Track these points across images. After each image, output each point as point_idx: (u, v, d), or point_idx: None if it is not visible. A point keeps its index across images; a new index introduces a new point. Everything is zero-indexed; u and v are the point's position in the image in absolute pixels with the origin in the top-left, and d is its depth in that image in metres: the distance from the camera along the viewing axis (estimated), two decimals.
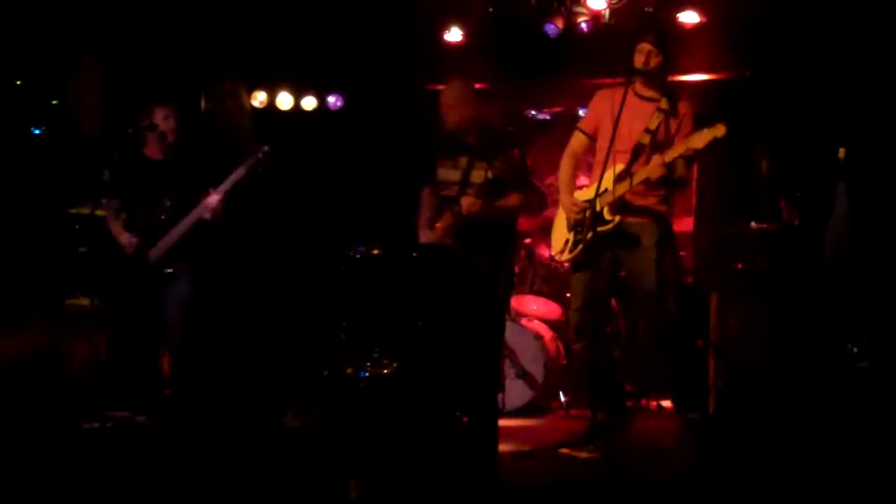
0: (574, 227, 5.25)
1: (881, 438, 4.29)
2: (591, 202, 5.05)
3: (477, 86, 8.08)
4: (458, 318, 4.74)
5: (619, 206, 5.11)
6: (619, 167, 5.08)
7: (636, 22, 6.69)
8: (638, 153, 5.11)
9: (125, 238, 5.53)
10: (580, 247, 5.18)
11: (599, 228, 5.10)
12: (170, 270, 5.53)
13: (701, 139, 4.91)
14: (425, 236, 5.43)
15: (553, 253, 5.50)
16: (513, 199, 5.33)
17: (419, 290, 4.76)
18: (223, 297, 6.58)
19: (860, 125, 6.18)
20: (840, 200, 5.71)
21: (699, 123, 5.08)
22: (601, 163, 5.04)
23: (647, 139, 5.10)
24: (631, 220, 5.15)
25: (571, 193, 5.33)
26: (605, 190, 5.08)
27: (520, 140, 5.42)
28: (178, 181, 5.59)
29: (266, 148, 5.69)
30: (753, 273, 6.12)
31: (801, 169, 6.53)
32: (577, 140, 5.42)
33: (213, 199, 5.53)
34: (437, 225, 5.36)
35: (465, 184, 5.31)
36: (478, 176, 5.29)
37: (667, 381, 5.55)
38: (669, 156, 5.00)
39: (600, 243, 5.10)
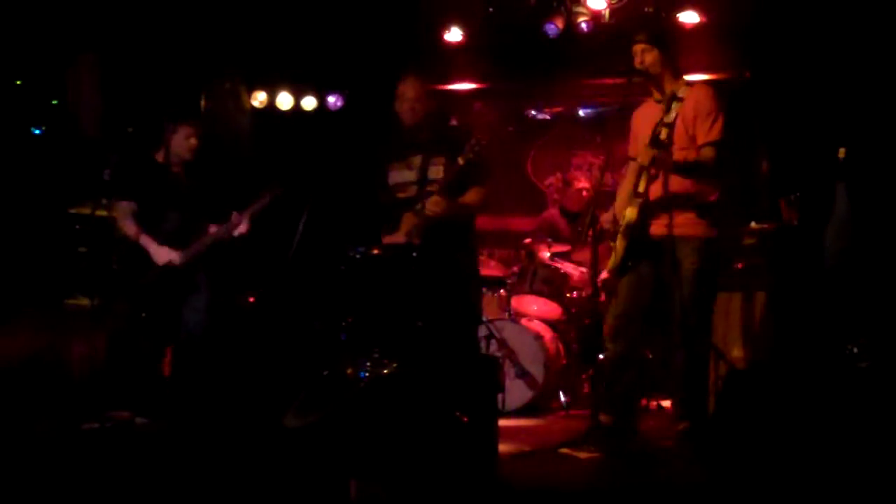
0: (612, 237, 5.21)
1: (881, 438, 4.29)
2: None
3: (477, 86, 8.17)
4: (443, 316, 4.72)
5: (642, 205, 5.03)
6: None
7: (636, 22, 6.69)
8: (654, 145, 5.02)
9: (148, 243, 5.53)
10: (616, 255, 5.11)
11: (621, 229, 5.06)
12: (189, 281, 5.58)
13: (670, 116, 4.92)
14: (387, 241, 5.25)
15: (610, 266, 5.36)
16: (472, 196, 5.14)
17: (410, 291, 4.73)
18: (225, 296, 6.58)
19: (860, 125, 6.18)
20: (840, 201, 5.71)
21: (714, 101, 5.06)
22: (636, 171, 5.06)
23: (663, 133, 5.00)
24: (667, 232, 5.02)
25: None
26: (630, 194, 5.08)
27: (476, 131, 5.20)
28: (188, 188, 5.63)
29: (280, 190, 5.87)
30: (753, 273, 6.12)
31: (801, 169, 6.53)
32: (633, 169, 5.27)
33: (242, 225, 5.69)
34: (408, 225, 5.17)
35: (423, 182, 5.14)
36: (436, 172, 5.12)
37: (670, 386, 5.52)
38: (650, 141, 4.97)
39: (637, 253, 5.06)
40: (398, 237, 5.14)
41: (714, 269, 5.18)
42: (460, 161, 4.97)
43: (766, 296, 5.94)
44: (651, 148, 4.95)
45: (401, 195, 5.23)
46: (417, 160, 5.19)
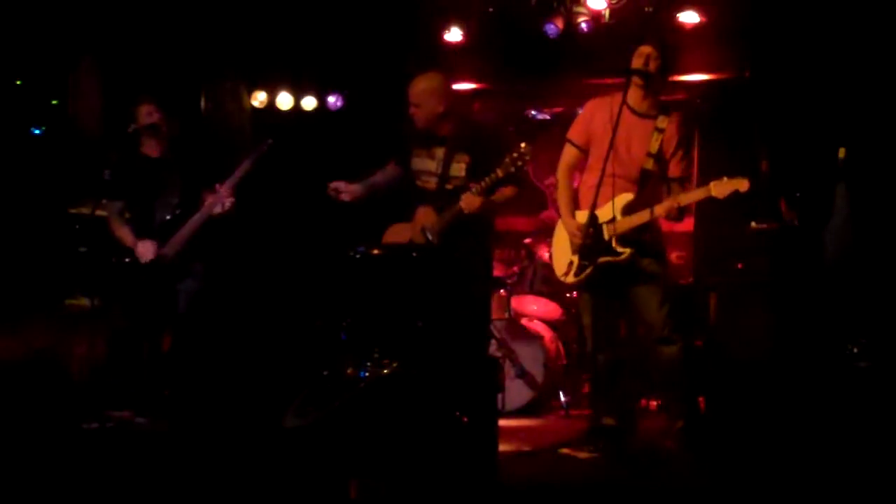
0: (579, 251, 4.98)
1: (881, 438, 4.29)
2: (594, 225, 4.87)
3: (477, 86, 8.16)
4: (445, 316, 4.71)
5: (631, 238, 4.92)
6: (628, 197, 4.92)
7: (636, 22, 6.69)
8: (645, 181, 4.95)
9: (134, 242, 5.50)
10: (587, 271, 4.98)
11: (605, 258, 4.92)
12: (182, 267, 5.54)
13: (722, 190, 4.73)
14: (399, 229, 5.22)
15: (558, 274, 5.23)
16: (508, 192, 5.10)
17: (411, 291, 4.72)
18: (225, 295, 6.57)
19: (860, 125, 6.18)
20: (840, 200, 5.71)
21: (688, 133, 5.03)
22: (595, 185, 4.82)
23: (650, 164, 4.93)
24: (626, 241, 4.96)
25: (573, 214, 5.09)
26: (613, 218, 4.89)
27: (510, 136, 5.13)
28: (178, 178, 5.60)
29: (269, 140, 5.71)
30: (753, 273, 6.12)
31: (801, 169, 6.53)
32: (570, 153, 5.19)
33: (223, 193, 5.55)
34: (423, 217, 5.16)
35: (444, 177, 5.11)
36: (458, 169, 5.08)
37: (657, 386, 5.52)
38: (686, 200, 4.85)
39: (609, 272, 4.96)
40: (411, 228, 5.13)
41: (664, 266, 5.15)
42: (500, 173, 4.90)
43: (767, 295, 5.94)
44: (678, 207, 4.85)
45: (419, 184, 5.20)
46: (440, 152, 5.16)
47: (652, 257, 5.00)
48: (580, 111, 5.29)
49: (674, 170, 4.99)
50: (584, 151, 5.12)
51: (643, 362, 5.38)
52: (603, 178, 4.79)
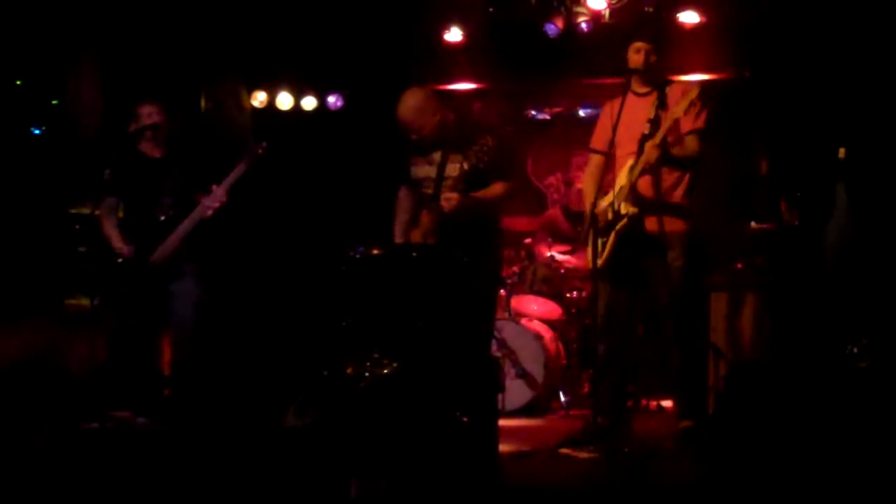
0: (599, 232, 5.10)
1: (881, 439, 4.29)
2: (591, 207, 5.05)
3: (477, 86, 8.18)
4: (447, 317, 4.71)
5: (634, 199, 5.01)
6: (629, 162, 5.05)
7: (636, 22, 6.69)
8: (643, 145, 5.02)
9: (118, 242, 5.51)
10: (606, 249, 5.09)
11: (618, 226, 5.04)
12: (174, 268, 5.53)
13: (680, 107, 4.86)
14: (403, 238, 5.26)
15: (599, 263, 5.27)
16: (496, 188, 5.10)
17: (411, 291, 4.71)
18: (225, 296, 6.57)
19: (860, 125, 6.18)
20: (840, 200, 5.71)
21: (697, 92, 5.02)
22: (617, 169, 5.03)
23: (647, 128, 5.01)
24: (656, 224, 5.05)
25: (595, 203, 5.19)
26: (621, 188, 5.04)
27: (494, 128, 5.11)
28: (175, 179, 5.59)
29: (263, 143, 5.70)
30: (753, 273, 6.12)
31: (801, 169, 6.53)
32: (593, 161, 5.33)
33: (216, 196, 5.53)
34: (425, 221, 5.17)
35: (440, 179, 5.11)
36: (453, 169, 5.09)
37: (669, 385, 5.52)
38: (659, 136, 4.92)
39: (626, 249, 5.05)
40: (414, 235, 5.17)
41: (698, 264, 5.18)
42: (465, 166, 4.96)
43: (767, 296, 5.94)
44: (658, 148, 4.94)
45: (423, 191, 5.23)
46: (437, 156, 5.17)
47: (675, 230, 5.05)
48: (600, 112, 5.38)
49: (685, 124, 5.03)
50: (607, 154, 5.15)
51: (660, 360, 5.39)
52: (614, 161, 4.96)
